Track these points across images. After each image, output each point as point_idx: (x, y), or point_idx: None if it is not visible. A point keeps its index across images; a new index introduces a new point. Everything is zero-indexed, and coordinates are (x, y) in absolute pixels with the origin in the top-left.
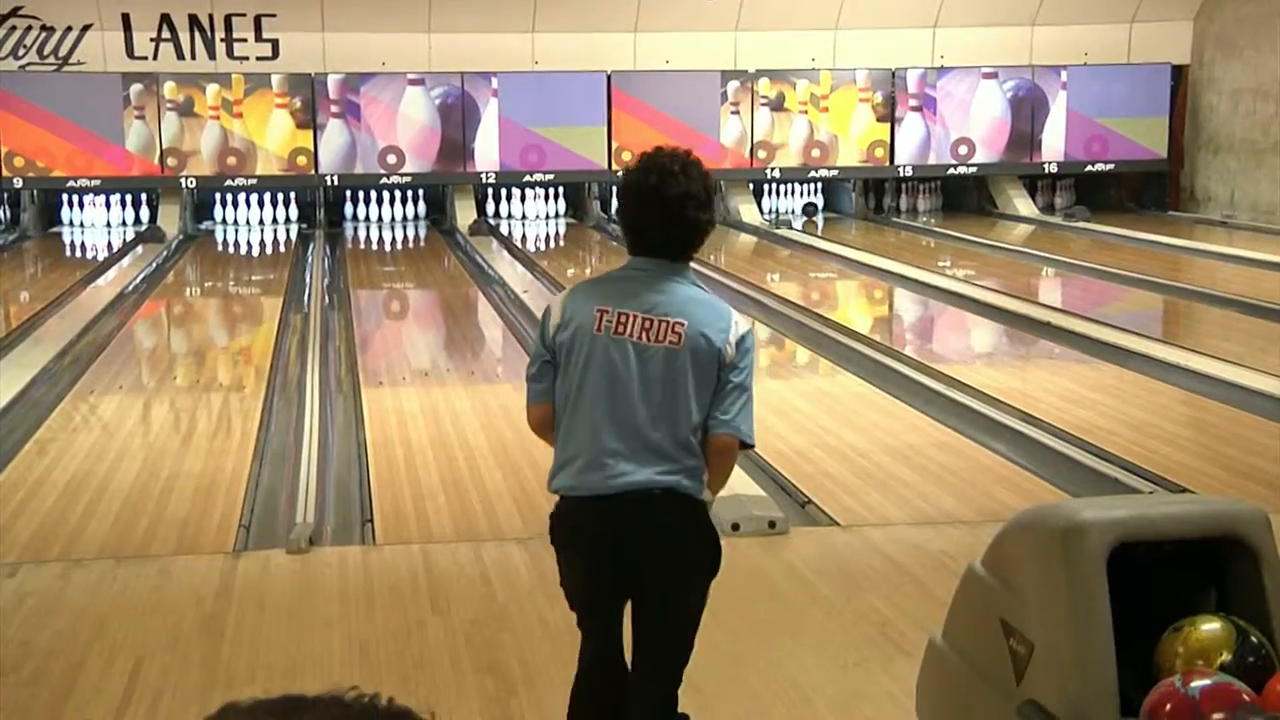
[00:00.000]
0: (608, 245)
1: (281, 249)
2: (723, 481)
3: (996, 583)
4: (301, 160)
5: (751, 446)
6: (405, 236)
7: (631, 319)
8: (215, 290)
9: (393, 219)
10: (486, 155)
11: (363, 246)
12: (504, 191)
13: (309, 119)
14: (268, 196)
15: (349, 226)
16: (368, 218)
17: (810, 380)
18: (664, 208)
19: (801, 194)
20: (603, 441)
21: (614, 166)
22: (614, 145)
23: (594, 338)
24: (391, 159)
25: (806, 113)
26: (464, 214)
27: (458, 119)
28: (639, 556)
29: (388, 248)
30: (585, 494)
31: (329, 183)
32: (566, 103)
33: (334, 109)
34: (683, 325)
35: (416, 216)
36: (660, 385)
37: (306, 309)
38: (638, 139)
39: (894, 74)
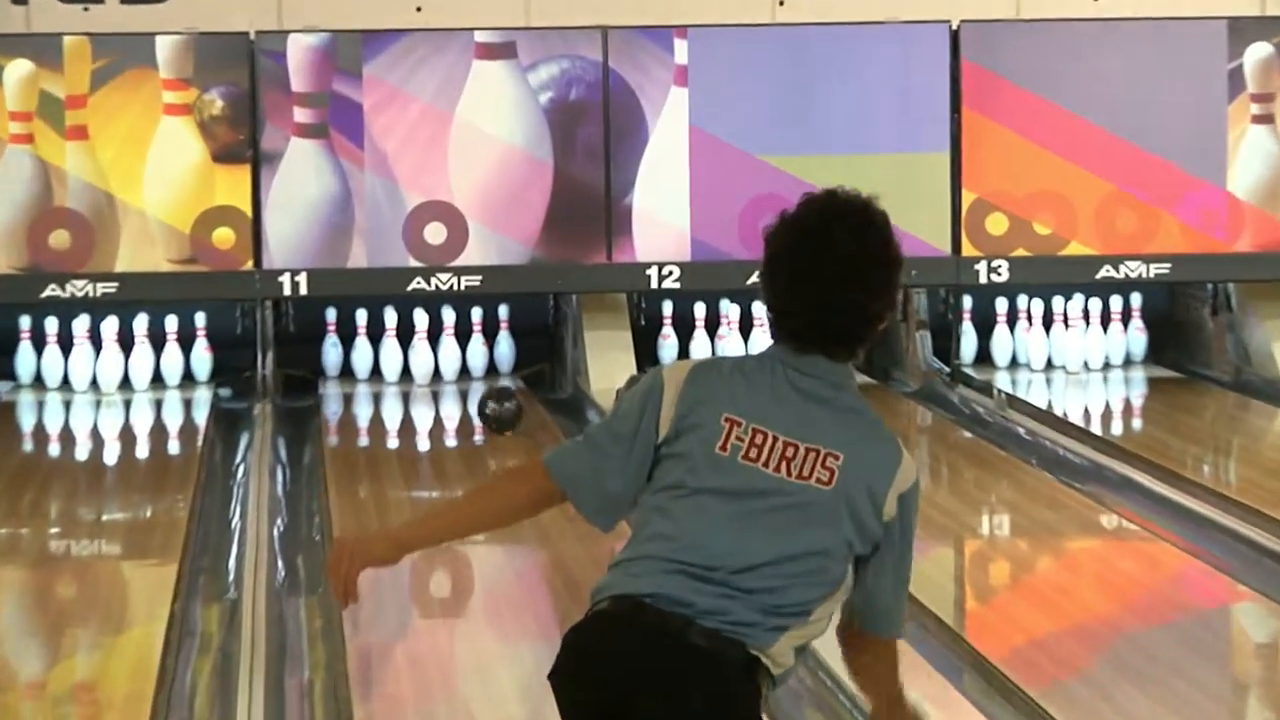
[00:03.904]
0: (939, 430)
1: (176, 447)
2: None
3: None
4: (223, 238)
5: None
6: (463, 416)
7: (770, 441)
8: (18, 548)
9: (435, 372)
10: (660, 220)
11: (364, 441)
12: (698, 309)
13: (243, 140)
14: (144, 323)
15: (332, 391)
16: (376, 371)
17: None
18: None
19: None
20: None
21: (969, 248)
22: (966, 198)
23: (715, 457)
24: (435, 234)
25: None
26: (603, 363)
27: (594, 136)
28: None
29: (422, 443)
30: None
31: (287, 289)
32: (849, 96)
33: (301, 115)
34: (837, 460)
35: (493, 369)
36: (787, 537)
37: (233, 593)
38: (1020, 179)
39: None
